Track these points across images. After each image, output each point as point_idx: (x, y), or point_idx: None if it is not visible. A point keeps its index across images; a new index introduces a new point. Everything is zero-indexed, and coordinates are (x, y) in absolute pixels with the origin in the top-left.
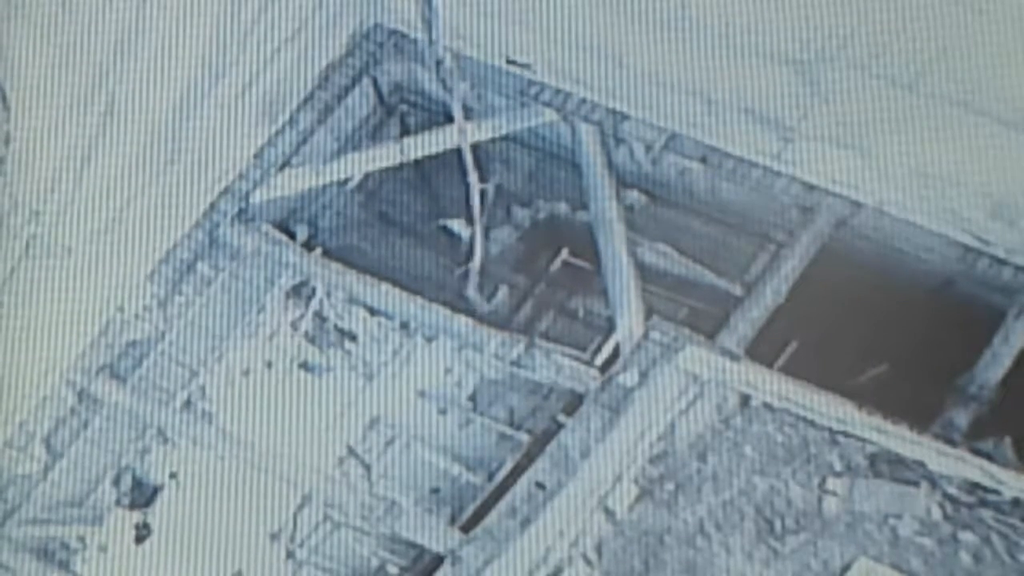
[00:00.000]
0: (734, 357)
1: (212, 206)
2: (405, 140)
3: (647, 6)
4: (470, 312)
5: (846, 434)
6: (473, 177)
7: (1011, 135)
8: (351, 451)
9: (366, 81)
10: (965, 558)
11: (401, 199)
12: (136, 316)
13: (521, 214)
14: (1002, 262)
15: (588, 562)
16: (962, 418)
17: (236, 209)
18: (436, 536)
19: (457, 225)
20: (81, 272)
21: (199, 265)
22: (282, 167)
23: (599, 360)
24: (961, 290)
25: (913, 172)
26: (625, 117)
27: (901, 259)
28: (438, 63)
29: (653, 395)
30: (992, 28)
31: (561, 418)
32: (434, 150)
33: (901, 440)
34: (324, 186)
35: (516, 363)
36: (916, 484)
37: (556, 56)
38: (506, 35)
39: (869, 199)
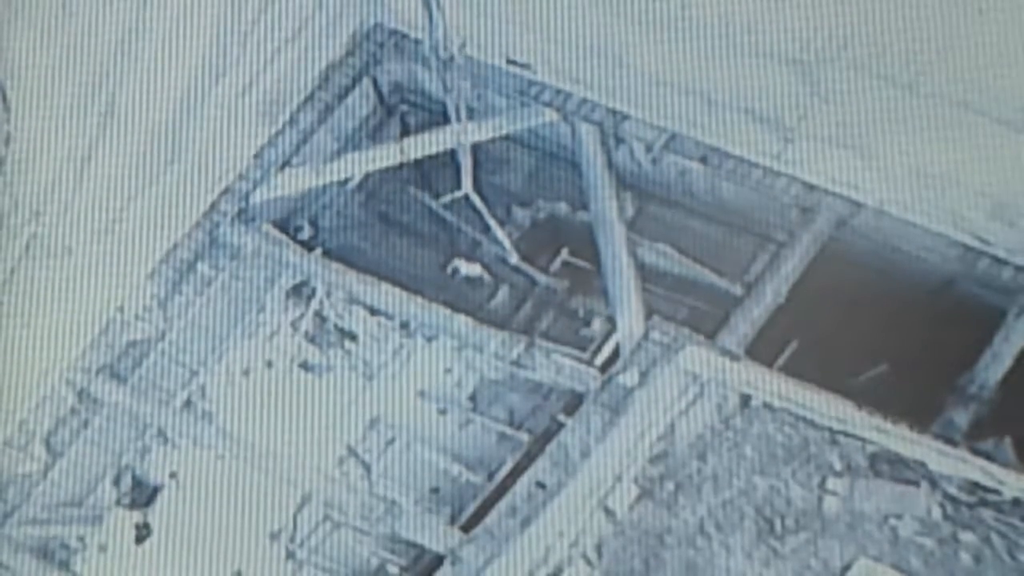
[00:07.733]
0: (734, 357)
1: (212, 206)
2: (405, 140)
3: (647, 6)
4: (470, 312)
5: (846, 434)
6: (467, 180)
7: (1011, 135)
8: (351, 451)
9: (366, 81)
10: (965, 558)
11: (401, 199)
12: (136, 316)
13: (521, 214)
14: (1002, 262)
15: (588, 562)
16: (962, 418)
17: (236, 209)
18: (436, 536)
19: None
20: (81, 272)
21: (199, 265)
22: (282, 167)
23: (599, 360)
24: (961, 290)
25: (913, 172)
26: (625, 117)
27: (901, 259)
28: (444, 63)
29: (653, 395)
30: (992, 28)
31: (561, 418)
32: (434, 150)
33: (901, 440)
34: (324, 186)
35: (516, 363)
36: (916, 484)
37: (556, 56)
38: (506, 35)
39: (869, 199)
